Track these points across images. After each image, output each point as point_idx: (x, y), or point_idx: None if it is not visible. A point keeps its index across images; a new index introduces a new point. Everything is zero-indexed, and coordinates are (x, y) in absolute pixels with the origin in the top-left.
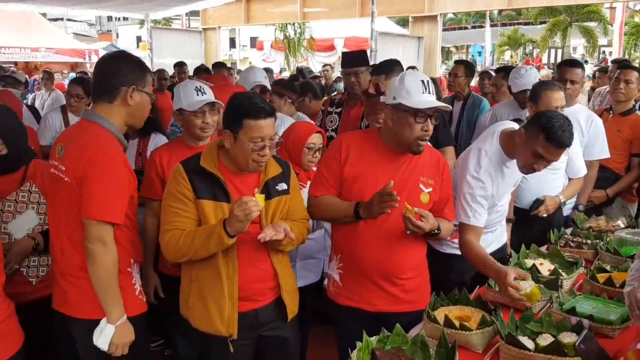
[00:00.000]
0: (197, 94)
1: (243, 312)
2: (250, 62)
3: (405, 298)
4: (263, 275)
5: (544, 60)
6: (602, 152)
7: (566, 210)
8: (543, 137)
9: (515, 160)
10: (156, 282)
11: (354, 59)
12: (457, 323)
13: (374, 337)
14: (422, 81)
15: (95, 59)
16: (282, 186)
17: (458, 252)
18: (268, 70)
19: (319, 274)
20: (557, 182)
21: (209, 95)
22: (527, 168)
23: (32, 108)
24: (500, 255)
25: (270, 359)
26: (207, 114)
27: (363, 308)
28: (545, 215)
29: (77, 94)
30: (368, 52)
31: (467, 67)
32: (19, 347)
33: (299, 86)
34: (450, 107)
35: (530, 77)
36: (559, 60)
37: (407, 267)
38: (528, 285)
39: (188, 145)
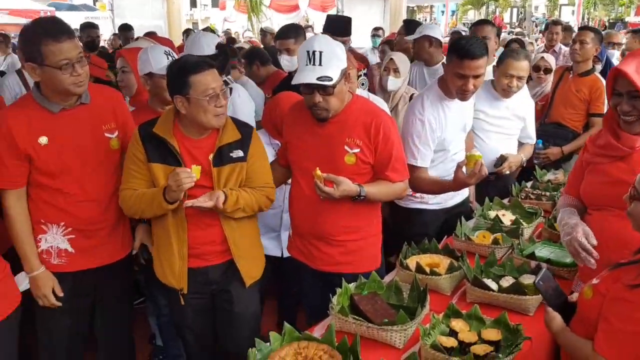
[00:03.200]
0: (167, 58)
1: (193, 268)
2: (211, 23)
3: (342, 260)
4: (211, 238)
5: (506, 19)
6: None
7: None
8: (455, 57)
9: (455, 101)
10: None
11: (339, 27)
12: (427, 269)
13: (352, 284)
14: (308, 52)
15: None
16: (238, 153)
17: (420, 206)
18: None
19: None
20: (512, 146)
21: None
22: (460, 91)
23: None
24: (463, 209)
25: (223, 317)
26: None
27: (307, 264)
28: (507, 172)
29: None
30: (334, 12)
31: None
32: (17, 305)
33: (246, 54)
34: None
35: None
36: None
37: (339, 228)
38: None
39: (154, 110)
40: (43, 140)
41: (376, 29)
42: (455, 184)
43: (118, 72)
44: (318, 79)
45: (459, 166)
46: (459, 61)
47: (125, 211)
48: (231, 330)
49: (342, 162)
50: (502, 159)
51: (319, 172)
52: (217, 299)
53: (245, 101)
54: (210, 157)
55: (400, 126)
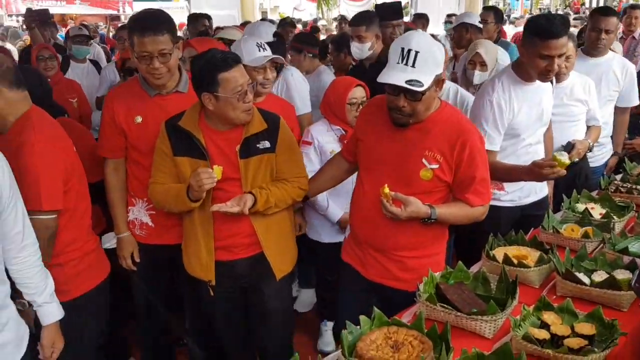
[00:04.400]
0: (259, 50)
1: (220, 261)
2: (280, 13)
3: (400, 275)
4: (238, 230)
5: (587, 4)
6: (634, 99)
7: (598, 160)
8: (537, 38)
9: (531, 86)
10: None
11: (391, 11)
12: (515, 261)
13: (438, 272)
14: (403, 49)
15: (129, 11)
16: (265, 144)
17: (492, 202)
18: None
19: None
20: (578, 132)
21: (270, 51)
22: (544, 72)
23: (93, 61)
24: (539, 209)
25: (255, 313)
26: (267, 70)
27: (359, 271)
28: (577, 159)
29: None
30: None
31: (496, 13)
32: (106, 276)
33: (336, 40)
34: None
35: None
36: (600, 4)
37: (402, 243)
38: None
39: None
40: (138, 119)
41: (449, 15)
42: (528, 174)
43: (186, 61)
44: (407, 82)
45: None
46: (541, 42)
47: (154, 205)
48: (265, 326)
49: (416, 176)
50: (569, 146)
51: (387, 189)
52: (248, 294)
53: (299, 80)
54: (237, 148)
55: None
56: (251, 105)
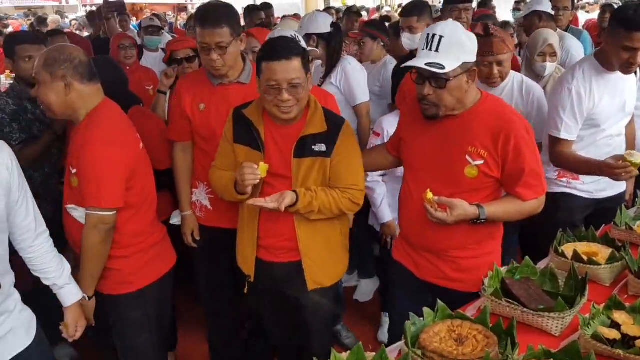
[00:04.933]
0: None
1: (261, 259)
2: (343, 1)
3: (454, 276)
4: (281, 233)
5: None
6: None
7: None
8: (622, 29)
9: (614, 75)
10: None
11: None
12: (585, 258)
13: (504, 267)
14: (428, 35)
15: (197, 1)
16: (321, 147)
17: (566, 190)
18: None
19: None
20: None
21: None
22: (627, 65)
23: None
24: (614, 205)
25: (294, 319)
26: None
27: (412, 271)
28: None
29: None
30: None
31: None
32: (171, 267)
33: (394, 26)
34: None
35: None
36: None
37: (454, 244)
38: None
39: None
40: (202, 106)
41: (517, 2)
42: (601, 171)
43: (248, 52)
44: (427, 64)
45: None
46: (627, 33)
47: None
48: (304, 331)
49: (461, 174)
50: None
51: (430, 195)
52: (287, 301)
53: (356, 69)
54: (292, 146)
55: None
56: (287, 105)
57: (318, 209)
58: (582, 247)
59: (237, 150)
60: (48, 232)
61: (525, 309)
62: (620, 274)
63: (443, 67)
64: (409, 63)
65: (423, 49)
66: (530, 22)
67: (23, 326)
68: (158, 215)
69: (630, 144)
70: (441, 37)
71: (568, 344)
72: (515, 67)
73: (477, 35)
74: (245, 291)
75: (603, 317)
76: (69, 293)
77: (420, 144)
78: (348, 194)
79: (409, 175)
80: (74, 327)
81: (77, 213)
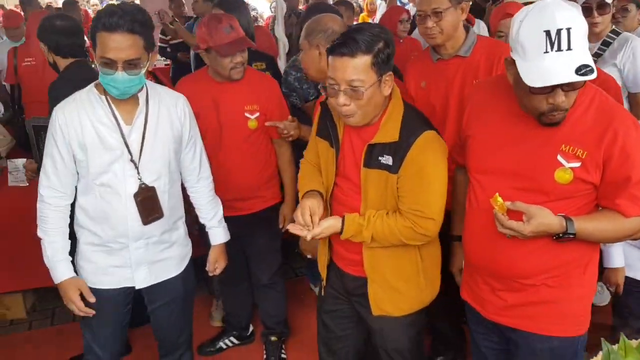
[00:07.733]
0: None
1: (335, 265)
2: None
3: (530, 312)
4: (348, 246)
5: None
6: None
7: None
8: None
9: None
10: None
11: None
12: None
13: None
14: (548, 32)
15: None
16: (387, 159)
17: None
18: None
19: None
20: None
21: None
22: None
23: None
24: None
25: (353, 328)
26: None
27: (478, 310)
28: None
29: None
30: None
31: None
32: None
33: None
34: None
35: None
36: None
37: (531, 269)
38: None
39: None
40: (423, 84)
41: None
42: None
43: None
44: (579, 72)
45: None
46: None
47: None
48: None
49: (549, 178)
50: None
51: (499, 198)
52: (355, 309)
53: None
54: (363, 152)
55: None
56: (341, 109)
57: (372, 238)
58: None
59: (318, 144)
60: (211, 178)
61: None
62: None
63: (593, 70)
64: (548, 80)
65: (547, 52)
66: None
67: (176, 258)
68: None
69: None
70: (569, 29)
71: None
72: None
73: None
74: (323, 292)
75: None
76: (215, 234)
77: (495, 139)
78: (409, 222)
79: (476, 182)
80: (214, 264)
81: None
